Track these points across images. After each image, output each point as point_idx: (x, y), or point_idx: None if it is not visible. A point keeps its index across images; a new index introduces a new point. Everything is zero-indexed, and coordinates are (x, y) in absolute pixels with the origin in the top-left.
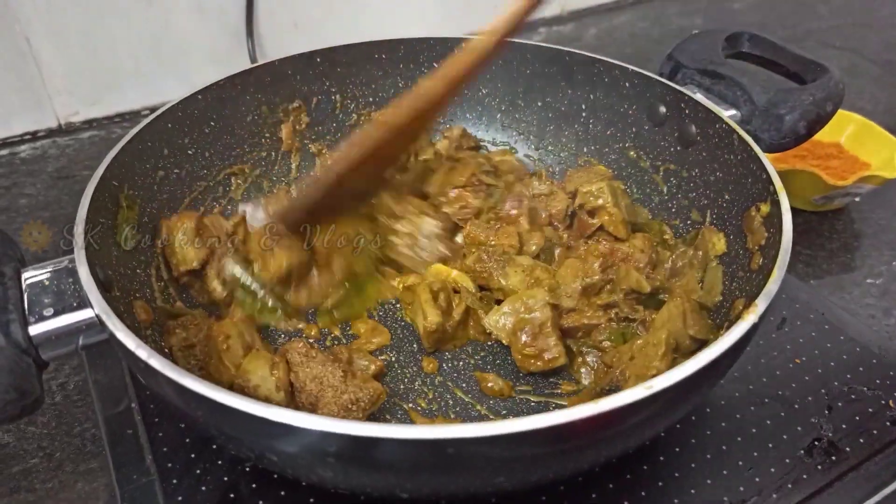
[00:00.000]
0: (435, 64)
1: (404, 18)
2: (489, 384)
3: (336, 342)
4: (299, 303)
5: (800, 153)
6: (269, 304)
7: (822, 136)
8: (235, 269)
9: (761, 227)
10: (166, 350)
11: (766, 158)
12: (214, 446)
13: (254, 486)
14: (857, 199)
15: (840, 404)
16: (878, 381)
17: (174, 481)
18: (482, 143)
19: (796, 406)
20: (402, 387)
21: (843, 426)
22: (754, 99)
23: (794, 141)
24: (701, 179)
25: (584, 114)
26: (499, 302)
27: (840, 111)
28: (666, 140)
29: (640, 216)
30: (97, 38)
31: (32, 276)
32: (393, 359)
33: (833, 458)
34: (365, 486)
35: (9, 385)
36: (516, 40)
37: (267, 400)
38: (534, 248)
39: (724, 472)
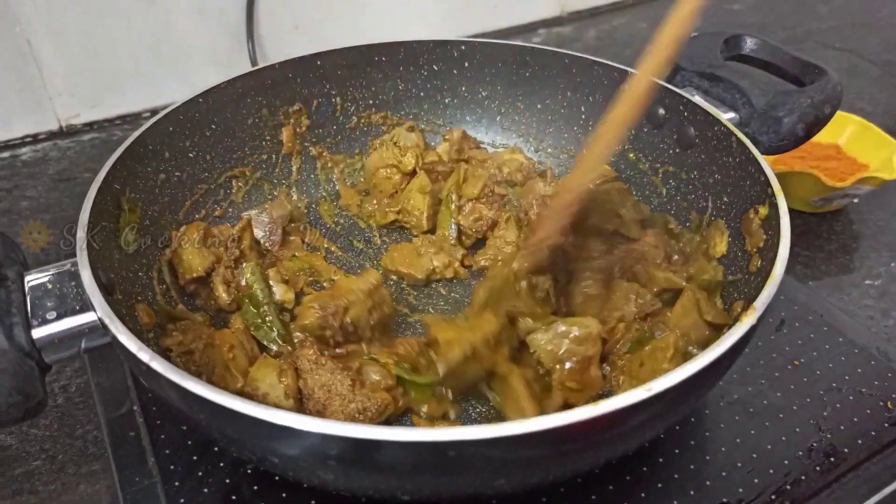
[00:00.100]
0: (435, 67)
1: (404, 19)
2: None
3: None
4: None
5: (798, 154)
6: (269, 321)
7: (821, 137)
8: (250, 278)
9: (759, 230)
10: (165, 351)
11: (764, 161)
12: (216, 449)
13: (255, 488)
14: (855, 200)
15: (838, 406)
16: (876, 383)
17: (176, 483)
18: (482, 145)
19: (795, 407)
20: None
21: (842, 427)
22: (753, 101)
23: (792, 143)
24: (700, 182)
25: (583, 116)
26: None
27: (839, 113)
28: (665, 142)
29: (644, 212)
30: (97, 39)
31: (35, 279)
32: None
33: (832, 459)
34: (366, 489)
35: (12, 388)
36: (516, 42)
37: (276, 407)
38: None
39: (724, 473)
